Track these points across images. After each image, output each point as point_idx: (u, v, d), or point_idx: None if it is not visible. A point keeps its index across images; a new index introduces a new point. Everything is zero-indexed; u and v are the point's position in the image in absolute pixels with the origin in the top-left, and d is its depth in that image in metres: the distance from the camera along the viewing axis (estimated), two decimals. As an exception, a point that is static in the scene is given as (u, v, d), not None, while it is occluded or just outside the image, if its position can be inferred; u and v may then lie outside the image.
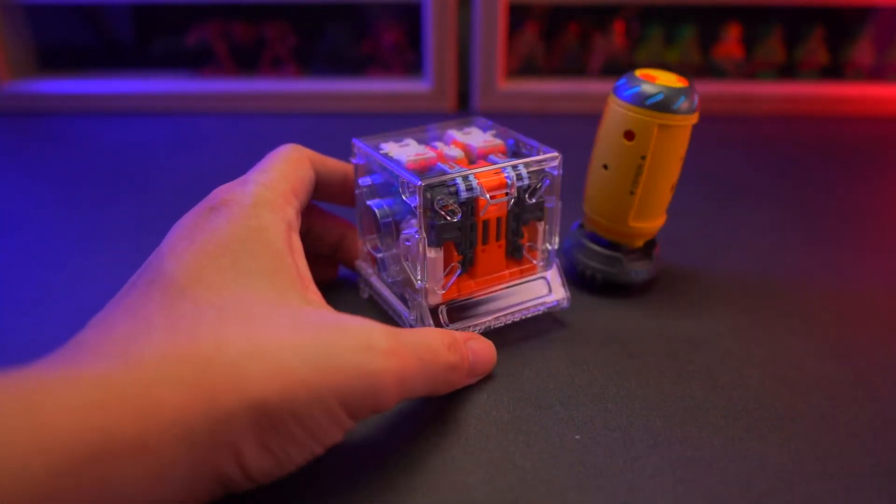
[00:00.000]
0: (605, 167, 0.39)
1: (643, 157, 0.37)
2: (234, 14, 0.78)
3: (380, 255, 0.37)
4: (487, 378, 0.34)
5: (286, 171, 0.33)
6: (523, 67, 0.78)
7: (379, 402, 0.26)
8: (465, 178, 0.33)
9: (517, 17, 0.76)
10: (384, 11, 0.79)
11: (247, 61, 0.79)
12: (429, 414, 0.32)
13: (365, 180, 0.37)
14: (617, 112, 0.38)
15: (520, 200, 0.35)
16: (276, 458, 0.24)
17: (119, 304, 0.27)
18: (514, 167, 0.34)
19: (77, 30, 0.81)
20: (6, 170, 0.61)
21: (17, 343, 0.38)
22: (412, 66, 0.78)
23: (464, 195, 0.33)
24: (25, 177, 0.59)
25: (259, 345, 0.24)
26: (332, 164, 0.37)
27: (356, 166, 0.38)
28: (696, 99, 0.37)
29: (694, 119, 0.38)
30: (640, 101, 0.37)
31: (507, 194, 0.34)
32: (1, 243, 0.48)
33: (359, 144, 0.37)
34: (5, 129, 0.70)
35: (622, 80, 0.38)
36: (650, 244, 0.42)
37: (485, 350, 0.34)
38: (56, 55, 0.80)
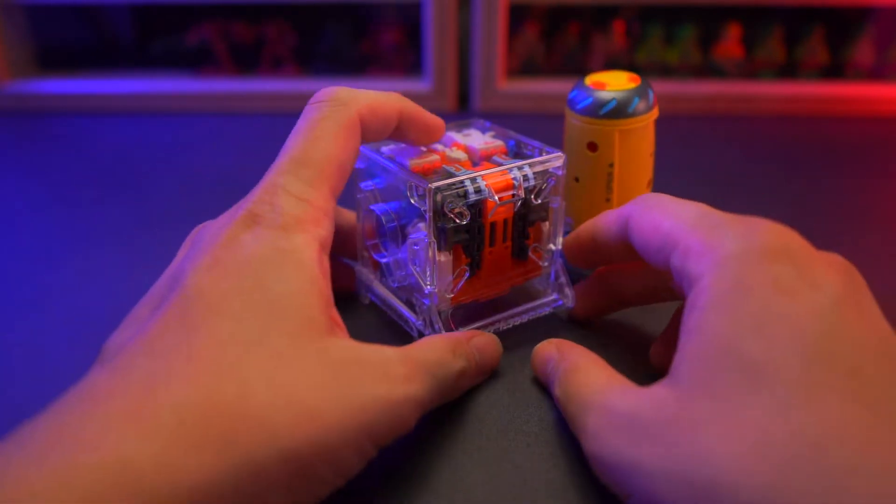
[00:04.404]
0: (577, 180, 0.39)
1: (611, 165, 0.37)
2: (234, 14, 0.78)
3: (384, 261, 0.37)
4: (488, 378, 0.34)
5: (329, 160, 0.29)
6: (523, 67, 0.78)
7: (403, 428, 0.26)
8: (474, 180, 0.33)
9: (517, 17, 0.76)
10: (384, 11, 0.79)
11: (247, 61, 0.79)
12: (429, 414, 0.32)
13: (367, 184, 0.37)
14: (575, 126, 0.38)
15: (525, 202, 0.35)
16: (301, 501, 0.24)
17: (141, 331, 0.25)
18: (520, 168, 0.34)
19: (77, 30, 0.81)
20: (6, 170, 0.61)
21: (17, 343, 0.38)
22: (412, 66, 0.78)
23: (472, 197, 0.33)
24: (25, 177, 0.59)
25: (285, 389, 0.23)
26: (385, 110, 0.32)
27: (357, 170, 0.37)
28: (652, 94, 0.37)
29: (654, 115, 0.37)
30: (595, 111, 0.36)
31: (514, 195, 0.34)
32: (1, 243, 0.48)
33: (359, 148, 0.37)
34: (5, 129, 0.70)
35: (574, 92, 0.38)
36: None
37: (489, 345, 0.33)
38: (56, 55, 0.80)
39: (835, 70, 0.77)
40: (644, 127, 0.37)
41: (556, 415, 0.32)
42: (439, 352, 0.29)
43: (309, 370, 0.24)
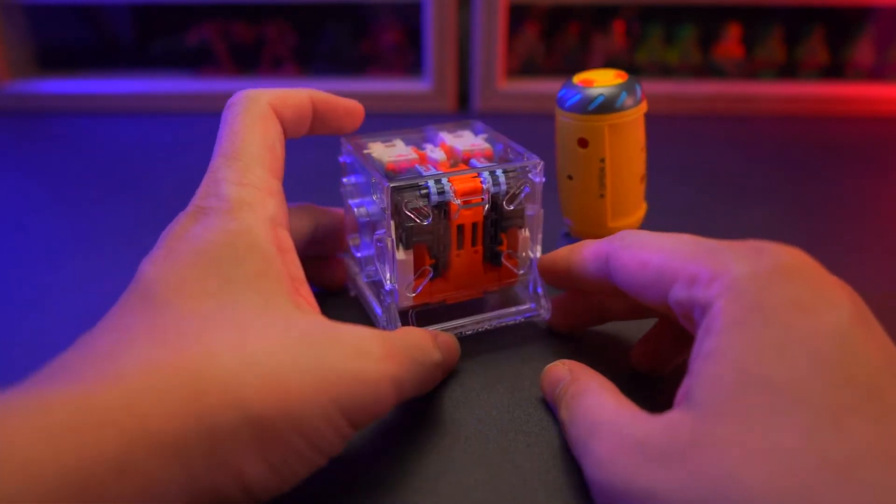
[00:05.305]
0: (570, 177, 0.39)
1: (602, 161, 0.38)
2: (234, 14, 0.78)
3: (359, 255, 0.37)
4: (487, 378, 0.34)
5: (257, 147, 0.30)
6: (523, 67, 0.78)
7: (379, 407, 0.26)
8: (438, 181, 0.33)
9: (517, 17, 0.76)
10: (384, 11, 0.79)
11: (247, 61, 0.79)
12: (428, 414, 0.32)
13: (349, 179, 0.37)
14: (565, 123, 0.38)
15: (498, 207, 0.35)
16: (279, 473, 0.23)
17: (103, 321, 0.25)
18: (492, 172, 0.34)
19: (77, 30, 0.81)
20: (6, 170, 0.61)
21: (17, 343, 0.38)
22: (412, 66, 0.78)
23: (435, 199, 0.33)
24: (25, 177, 0.59)
25: (252, 355, 0.23)
26: (296, 100, 0.33)
27: (344, 164, 0.38)
28: (640, 89, 0.38)
29: (642, 109, 0.38)
30: (583, 107, 0.37)
31: (481, 200, 0.34)
32: (1, 243, 0.48)
33: (346, 143, 0.37)
34: (5, 129, 0.70)
35: (562, 91, 0.38)
36: None
37: (451, 345, 0.33)
38: (56, 55, 0.80)
39: (835, 70, 0.77)
40: (633, 121, 0.37)
41: (557, 415, 0.32)
42: (419, 338, 0.30)
43: (277, 340, 0.24)
